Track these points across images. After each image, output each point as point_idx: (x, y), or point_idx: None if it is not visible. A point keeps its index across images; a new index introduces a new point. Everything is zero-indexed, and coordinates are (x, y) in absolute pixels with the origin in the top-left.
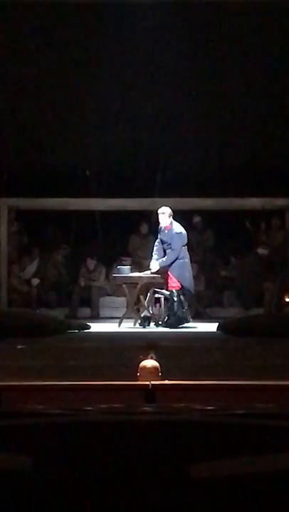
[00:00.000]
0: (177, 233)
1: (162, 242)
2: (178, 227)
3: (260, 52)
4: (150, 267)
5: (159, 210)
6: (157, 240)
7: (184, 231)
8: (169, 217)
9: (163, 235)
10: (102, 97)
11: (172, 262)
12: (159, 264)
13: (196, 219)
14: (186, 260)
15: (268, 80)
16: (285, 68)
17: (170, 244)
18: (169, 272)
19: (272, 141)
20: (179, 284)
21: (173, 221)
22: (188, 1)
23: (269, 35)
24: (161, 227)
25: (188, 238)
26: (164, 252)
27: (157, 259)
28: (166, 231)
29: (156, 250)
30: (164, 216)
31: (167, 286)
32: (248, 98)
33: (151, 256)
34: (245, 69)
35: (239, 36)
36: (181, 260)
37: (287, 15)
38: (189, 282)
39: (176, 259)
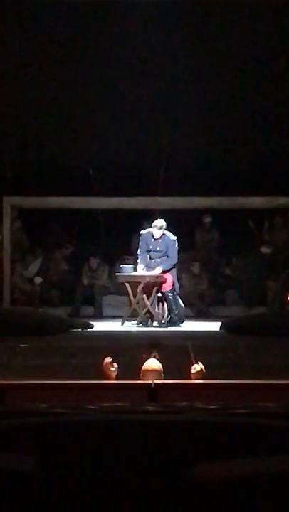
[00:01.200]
0: (173, 240)
1: (149, 250)
2: (171, 234)
3: (263, 50)
4: (151, 270)
5: (157, 224)
6: (139, 250)
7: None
8: (163, 230)
9: (155, 245)
10: (105, 96)
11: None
12: (163, 268)
13: (207, 219)
14: None
15: (271, 78)
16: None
17: (166, 252)
18: (167, 274)
19: (275, 139)
20: (172, 285)
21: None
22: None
23: (272, 33)
24: (146, 236)
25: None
26: (149, 259)
27: (143, 269)
28: (159, 240)
29: (141, 259)
30: (161, 230)
31: (161, 287)
32: (251, 97)
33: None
34: (249, 68)
35: (243, 34)
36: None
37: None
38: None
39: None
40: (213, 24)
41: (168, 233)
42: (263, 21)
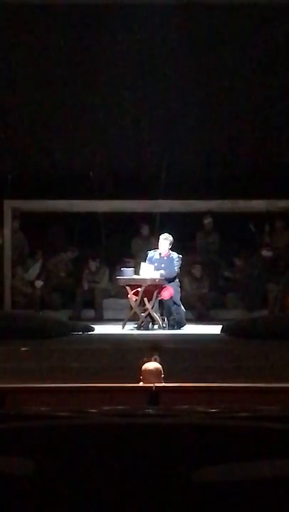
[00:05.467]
0: (177, 258)
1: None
2: (175, 253)
3: (264, 54)
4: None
5: (163, 236)
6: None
7: None
8: (170, 245)
9: (160, 262)
10: (106, 99)
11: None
12: (160, 275)
13: (208, 220)
14: None
15: (271, 82)
16: (288, 69)
17: (169, 268)
18: (169, 285)
19: (276, 142)
20: (170, 296)
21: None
22: (191, 2)
23: (271, 36)
24: (153, 256)
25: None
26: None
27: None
28: (165, 258)
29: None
30: (166, 242)
31: (160, 291)
32: (252, 100)
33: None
34: (248, 70)
35: (242, 37)
36: None
37: (287, 15)
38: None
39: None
40: (214, 28)
41: (172, 252)
42: (263, 25)
